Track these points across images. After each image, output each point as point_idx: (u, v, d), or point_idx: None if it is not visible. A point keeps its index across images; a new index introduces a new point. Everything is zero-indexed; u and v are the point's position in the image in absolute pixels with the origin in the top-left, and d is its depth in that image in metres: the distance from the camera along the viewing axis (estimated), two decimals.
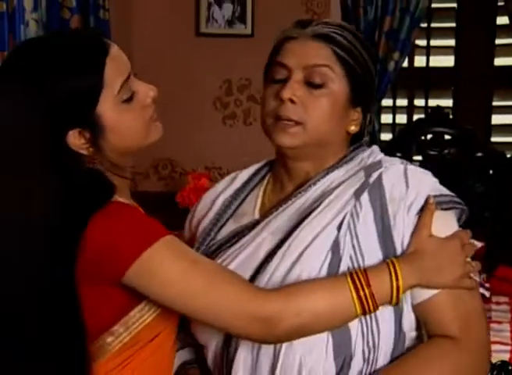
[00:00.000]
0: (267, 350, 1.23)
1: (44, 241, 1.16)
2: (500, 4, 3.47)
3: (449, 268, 1.22)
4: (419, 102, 3.64)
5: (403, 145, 2.95)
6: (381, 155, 1.36)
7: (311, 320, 1.17)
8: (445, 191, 1.31)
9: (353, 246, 1.24)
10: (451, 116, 3.19)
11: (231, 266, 1.29)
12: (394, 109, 3.69)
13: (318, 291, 1.18)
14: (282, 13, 3.47)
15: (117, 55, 1.22)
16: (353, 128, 1.34)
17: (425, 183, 1.29)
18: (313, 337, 1.20)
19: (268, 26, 3.46)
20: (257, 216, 1.38)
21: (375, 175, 1.29)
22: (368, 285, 1.17)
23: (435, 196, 1.26)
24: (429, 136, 2.99)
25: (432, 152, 2.96)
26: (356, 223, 1.25)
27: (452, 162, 2.93)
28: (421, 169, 1.34)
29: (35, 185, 1.16)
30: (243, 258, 1.30)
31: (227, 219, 1.41)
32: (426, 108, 3.58)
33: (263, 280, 1.25)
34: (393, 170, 1.30)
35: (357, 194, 1.27)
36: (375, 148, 1.39)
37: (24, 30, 2.62)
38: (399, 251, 1.24)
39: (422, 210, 1.25)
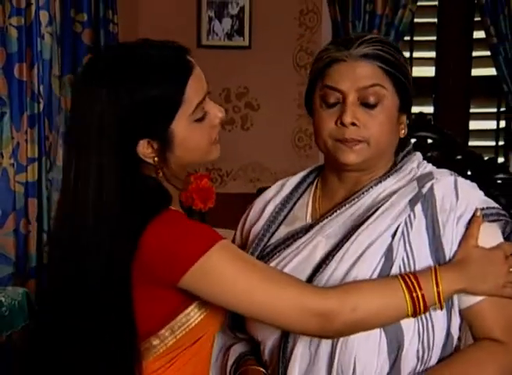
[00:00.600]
0: (324, 346, 1.22)
1: (107, 242, 1.14)
2: (477, 19, 3.51)
3: (492, 276, 1.22)
4: None
5: None
6: (430, 166, 1.35)
7: (366, 316, 1.15)
8: (492, 203, 1.30)
9: (406, 252, 1.24)
10: (433, 122, 3.21)
11: (289, 266, 1.28)
12: None
13: (373, 290, 1.17)
14: (276, 27, 3.52)
15: (199, 75, 1.20)
16: (403, 132, 1.33)
17: (474, 196, 1.29)
18: (366, 333, 1.19)
19: (264, 39, 3.52)
20: (309, 220, 1.36)
21: (427, 186, 1.28)
22: (420, 288, 1.16)
23: (482, 209, 1.26)
24: (413, 140, 3.01)
25: None
26: (409, 231, 1.25)
27: (434, 164, 2.93)
28: (469, 182, 1.33)
29: (105, 186, 1.14)
30: (300, 260, 1.29)
31: (279, 224, 1.39)
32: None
33: (322, 280, 1.24)
34: (444, 182, 1.29)
35: (412, 204, 1.26)
36: (419, 156, 1.38)
37: (40, 42, 2.64)
38: (448, 257, 1.24)
39: (470, 222, 1.25)
